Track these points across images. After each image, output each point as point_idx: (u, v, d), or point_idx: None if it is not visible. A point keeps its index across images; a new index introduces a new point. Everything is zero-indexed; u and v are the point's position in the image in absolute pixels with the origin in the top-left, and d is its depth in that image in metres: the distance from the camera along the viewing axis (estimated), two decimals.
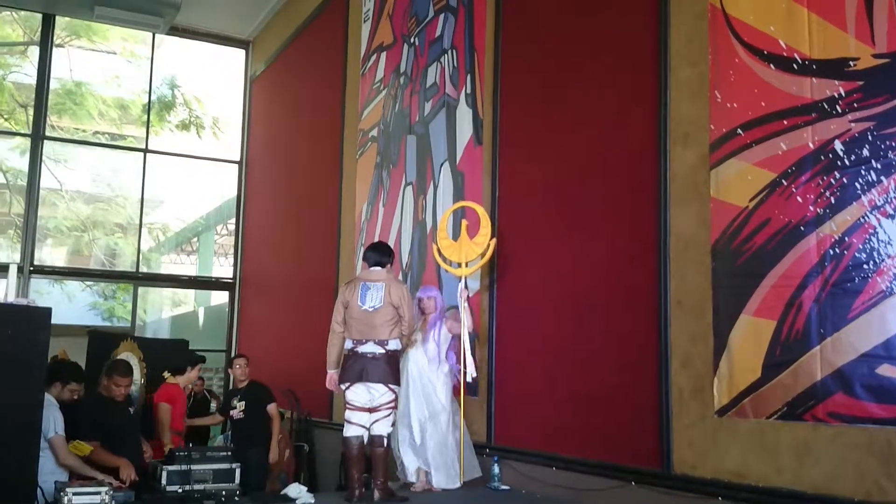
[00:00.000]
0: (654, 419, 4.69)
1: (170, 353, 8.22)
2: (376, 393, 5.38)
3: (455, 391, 5.93)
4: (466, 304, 5.91)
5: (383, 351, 5.37)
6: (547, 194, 5.93)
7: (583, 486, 5.15)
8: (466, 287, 6.03)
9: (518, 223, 6.22)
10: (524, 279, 6.04)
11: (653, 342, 4.75)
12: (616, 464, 4.97)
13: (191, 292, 15.64)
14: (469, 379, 5.89)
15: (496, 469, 5.76)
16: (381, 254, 5.67)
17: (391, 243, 8.06)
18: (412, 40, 8.06)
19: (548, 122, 6.00)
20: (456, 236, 6.36)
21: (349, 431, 5.42)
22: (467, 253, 6.03)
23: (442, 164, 7.31)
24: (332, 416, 8.95)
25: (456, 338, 5.98)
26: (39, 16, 12.46)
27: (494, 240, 5.96)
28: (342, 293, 5.62)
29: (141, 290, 13.92)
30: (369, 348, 5.38)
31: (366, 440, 5.44)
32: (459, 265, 6.08)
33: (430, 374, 5.84)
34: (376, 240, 8.36)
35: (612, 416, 5.08)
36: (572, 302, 5.55)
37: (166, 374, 7.39)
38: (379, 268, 5.60)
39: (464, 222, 6.10)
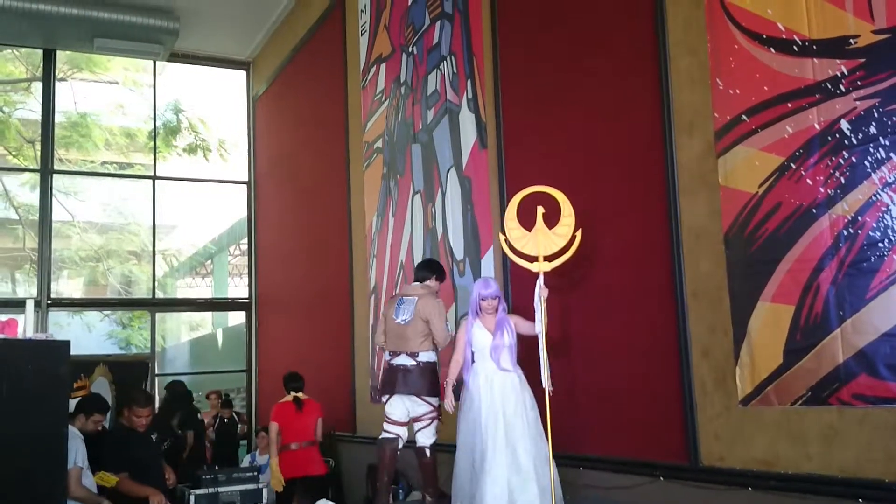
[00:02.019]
0: (678, 413, 4.66)
1: (136, 374, 8.22)
2: (412, 404, 5.55)
3: None
4: (544, 305, 5.02)
5: (415, 363, 5.55)
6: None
7: (610, 485, 5.11)
8: (545, 285, 5.07)
9: (529, 223, 6.17)
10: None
11: (671, 335, 4.72)
12: (643, 460, 4.93)
13: (208, 315, 15.70)
14: (548, 391, 4.88)
15: None
16: (423, 269, 5.90)
17: (403, 253, 8.06)
18: (410, 49, 8.07)
19: (551, 121, 5.98)
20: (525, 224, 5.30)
21: (382, 435, 5.60)
22: (546, 245, 5.10)
23: (448, 171, 7.30)
24: (356, 430, 8.94)
25: (519, 342, 5.27)
26: (41, 51, 12.56)
27: (580, 231, 5.03)
28: (384, 307, 5.91)
29: (158, 315, 13.96)
30: (402, 360, 5.58)
31: (399, 445, 5.60)
32: (535, 259, 5.13)
33: (525, 395, 5.09)
34: (389, 250, 8.38)
35: (635, 412, 5.04)
36: (588, 300, 5.52)
37: None
38: (418, 283, 5.80)
39: (539, 210, 5.13)
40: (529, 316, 5.14)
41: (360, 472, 7.96)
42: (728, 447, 4.36)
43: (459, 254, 7.04)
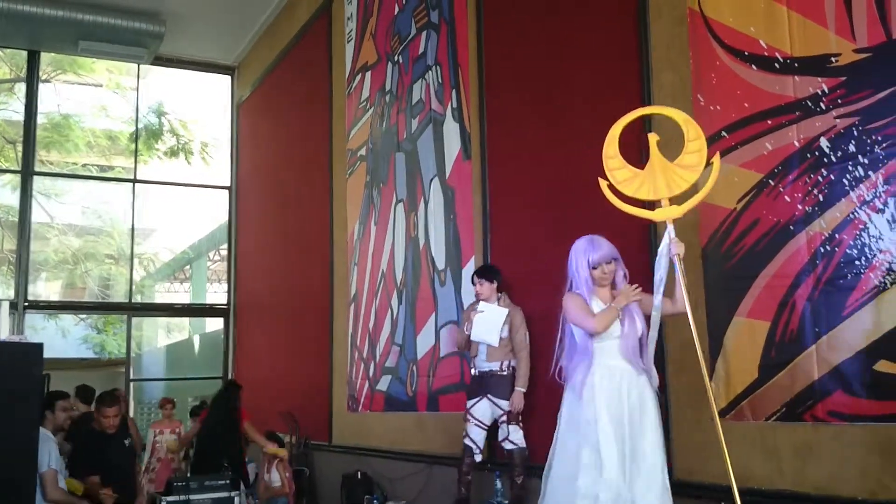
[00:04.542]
0: None
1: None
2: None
3: None
4: (681, 266, 3.75)
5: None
6: (538, 204, 5.91)
7: None
8: (676, 239, 3.77)
9: (510, 235, 6.19)
10: (520, 291, 5.98)
11: None
12: None
13: (186, 320, 15.61)
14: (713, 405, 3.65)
15: (498, 484, 5.70)
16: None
17: (384, 261, 8.05)
18: (396, 58, 8.07)
19: (535, 132, 5.99)
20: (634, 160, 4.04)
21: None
22: (669, 184, 3.78)
23: (432, 180, 7.30)
24: (331, 440, 8.89)
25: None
26: (25, 52, 12.47)
27: (718, 156, 3.81)
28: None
29: (135, 320, 13.86)
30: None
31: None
32: (654, 205, 3.84)
33: (656, 404, 3.96)
34: (370, 259, 8.36)
35: None
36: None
37: None
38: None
39: (652, 138, 3.90)
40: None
41: (335, 482, 7.91)
42: (702, 461, 4.36)
43: (441, 263, 7.03)
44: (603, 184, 3.94)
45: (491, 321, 5.60)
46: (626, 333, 3.92)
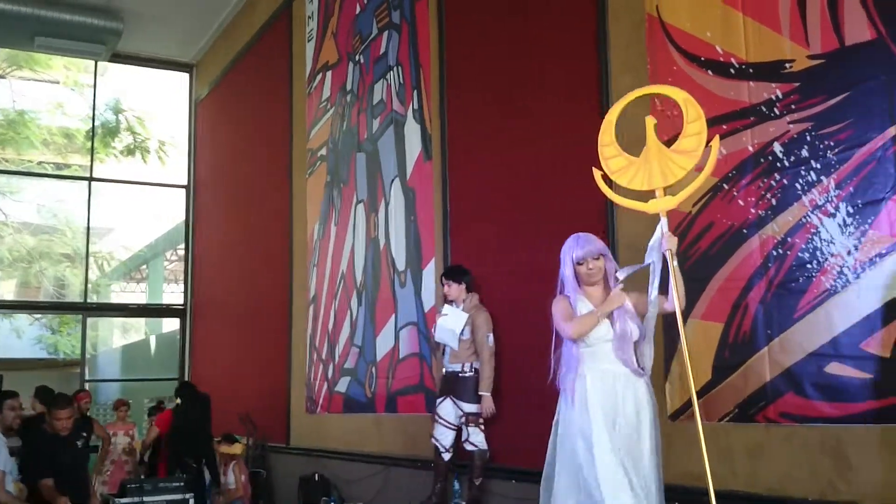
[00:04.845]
0: None
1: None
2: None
3: None
4: (675, 262, 3.48)
5: None
6: (499, 205, 5.91)
7: (534, 497, 5.11)
8: (668, 233, 3.49)
9: (471, 236, 6.19)
10: (481, 293, 5.95)
11: None
12: None
13: (142, 320, 15.40)
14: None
15: (457, 485, 5.70)
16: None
17: (344, 262, 8.01)
18: (357, 58, 8.04)
19: (496, 134, 5.99)
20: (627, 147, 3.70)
21: None
22: (664, 171, 3.46)
23: (392, 181, 7.27)
24: (289, 442, 8.83)
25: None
26: None
27: (717, 139, 3.53)
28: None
29: (90, 320, 13.64)
30: None
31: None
32: (650, 195, 3.54)
33: (654, 412, 3.71)
34: (330, 259, 8.31)
35: None
36: (524, 311, 5.53)
37: None
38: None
39: (649, 121, 3.56)
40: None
41: (292, 484, 7.85)
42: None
43: (401, 265, 7.01)
44: (597, 174, 3.65)
45: (452, 324, 5.60)
46: (620, 335, 3.65)
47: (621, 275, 3.66)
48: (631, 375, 3.63)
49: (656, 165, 3.46)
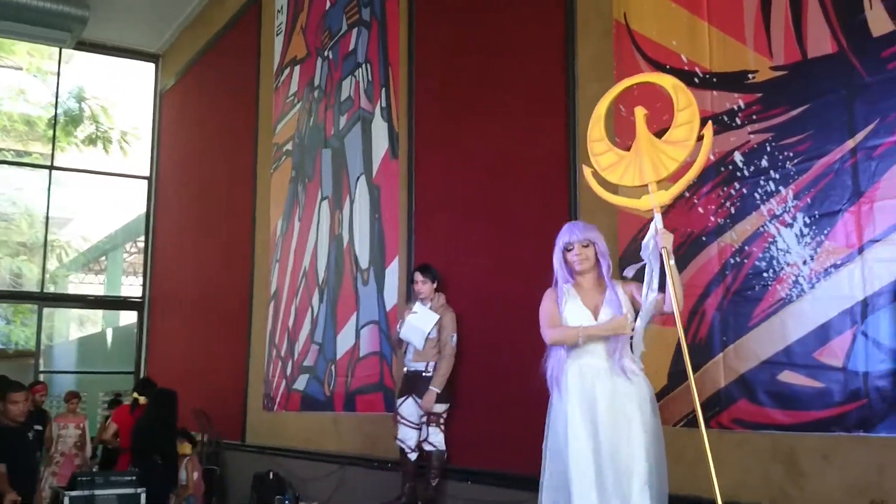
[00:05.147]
0: None
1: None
2: None
3: None
4: (671, 261, 3.28)
5: None
6: (464, 205, 5.92)
7: (492, 499, 5.12)
8: (663, 230, 3.30)
9: (436, 235, 6.18)
10: (446, 289, 5.95)
11: None
12: (526, 474, 4.94)
13: (99, 313, 15.19)
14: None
15: None
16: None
17: (307, 259, 7.96)
18: (326, 54, 8.00)
19: (463, 135, 6.00)
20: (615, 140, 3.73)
21: None
22: (655, 165, 3.28)
23: (358, 178, 7.24)
24: (244, 439, 8.75)
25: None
26: None
27: (709, 127, 3.29)
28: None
29: (46, 311, 13.41)
30: None
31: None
32: (642, 191, 3.36)
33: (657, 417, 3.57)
34: (292, 256, 8.25)
35: (523, 427, 5.06)
36: (487, 313, 5.54)
37: None
38: None
39: (639, 112, 3.40)
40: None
41: (246, 482, 7.78)
42: None
43: (364, 262, 6.99)
44: (587, 171, 3.49)
45: (421, 323, 5.57)
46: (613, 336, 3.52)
47: (629, 272, 3.49)
48: (610, 372, 3.48)
49: (647, 159, 3.29)
